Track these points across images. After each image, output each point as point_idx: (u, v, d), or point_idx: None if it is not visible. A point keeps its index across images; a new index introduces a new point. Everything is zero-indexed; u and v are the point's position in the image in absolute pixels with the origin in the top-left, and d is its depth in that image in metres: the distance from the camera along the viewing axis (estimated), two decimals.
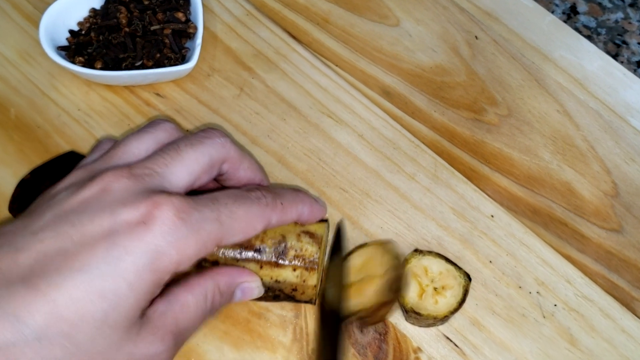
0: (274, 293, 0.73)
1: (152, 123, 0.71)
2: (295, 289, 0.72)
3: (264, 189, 0.69)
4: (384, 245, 0.81)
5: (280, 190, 0.70)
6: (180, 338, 0.62)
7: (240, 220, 0.63)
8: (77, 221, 0.57)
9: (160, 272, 0.57)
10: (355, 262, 0.81)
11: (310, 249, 0.71)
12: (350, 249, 0.83)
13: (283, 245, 0.71)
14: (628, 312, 0.88)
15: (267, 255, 0.70)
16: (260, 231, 0.66)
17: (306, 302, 0.74)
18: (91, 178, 0.62)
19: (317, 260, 0.71)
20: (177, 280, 0.63)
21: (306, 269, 0.71)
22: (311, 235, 0.72)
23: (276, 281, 0.71)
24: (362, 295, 0.77)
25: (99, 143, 0.72)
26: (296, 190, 0.73)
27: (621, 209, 0.96)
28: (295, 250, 0.71)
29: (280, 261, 0.70)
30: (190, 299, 0.62)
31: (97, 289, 0.54)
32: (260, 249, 0.70)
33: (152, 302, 0.60)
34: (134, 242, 0.56)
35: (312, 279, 0.71)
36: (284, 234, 0.71)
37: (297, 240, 0.71)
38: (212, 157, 0.67)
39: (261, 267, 0.70)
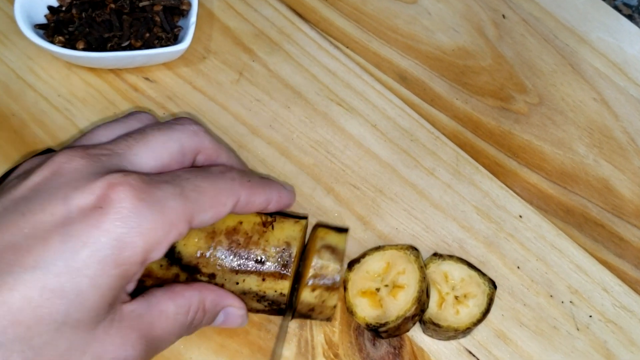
0: (278, 307, 0.73)
1: (127, 114, 0.70)
2: (312, 309, 0.72)
3: (227, 165, 0.69)
4: (406, 251, 0.79)
5: (246, 170, 0.71)
6: (151, 347, 0.61)
7: (207, 193, 0.62)
8: (27, 210, 0.56)
9: (125, 264, 0.56)
10: (374, 267, 0.80)
11: (332, 267, 0.71)
12: (363, 251, 0.82)
13: (287, 253, 0.70)
14: None
15: (271, 265, 0.70)
16: (230, 209, 0.65)
17: (320, 319, 0.74)
18: (43, 162, 0.61)
19: (338, 280, 0.71)
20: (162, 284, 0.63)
21: (327, 289, 0.71)
22: (332, 250, 0.72)
23: (281, 294, 0.71)
24: (383, 307, 0.76)
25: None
26: (263, 175, 0.73)
27: None
28: (315, 270, 0.71)
29: (284, 271, 0.70)
30: (171, 307, 0.62)
31: (54, 287, 0.53)
32: (262, 259, 0.70)
33: (132, 300, 0.60)
34: (91, 231, 0.55)
35: (333, 300, 0.71)
36: (288, 241, 0.71)
37: (318, 257, 0.71)
38: (183, 144, 0.66)
39: (264, 280, 0.70)
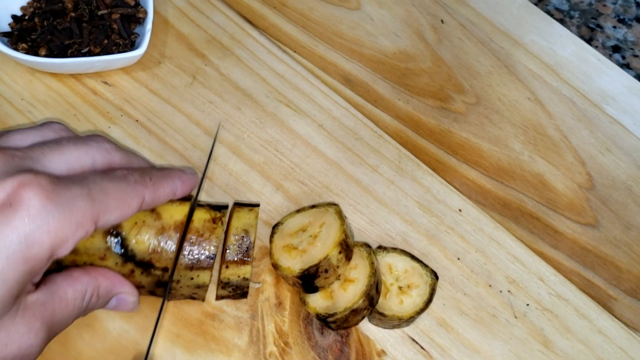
0: (242, 291, 0.76)
1: (42, 123, 0.70)
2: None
3: (129, 167, 0.69)
4: (360, 247, 0.81)
5: (146, 169, 0.71)
6: (52, 331, 0.61)
7: (113, 196, 0.63)
8: None
9: (33, 260, 0.56)
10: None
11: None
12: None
13: (247, 240, 0.74)
14: (605, 311, 0.88)
15: (232, 254, 0.73)
16: (136, 209, 0.66)
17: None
18: None
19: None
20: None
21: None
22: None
23: (244, 279, 0.75)
24: (333, 299, 0.77)
25: None
26: (163, 168, 0.73)
27: (597, 202, 0.96)
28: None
29: (245, 258, 0.74)
30: (69, 293, 0.62)
31: None
32: (215, 255, 0.71)
33: (35, 289, 0.60)
34: (1, 228, 0.55)
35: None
36: (246, 228, 0.74)
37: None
38: (96, 160, 0.66)
39: (227, 267, 0.73)
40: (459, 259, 0.88)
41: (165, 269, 0.70)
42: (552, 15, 1.16)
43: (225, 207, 0.76)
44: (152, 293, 0.74)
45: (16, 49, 0.88)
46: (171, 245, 0.70)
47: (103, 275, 0.66)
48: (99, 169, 0.66)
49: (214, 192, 0.87)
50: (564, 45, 1.10)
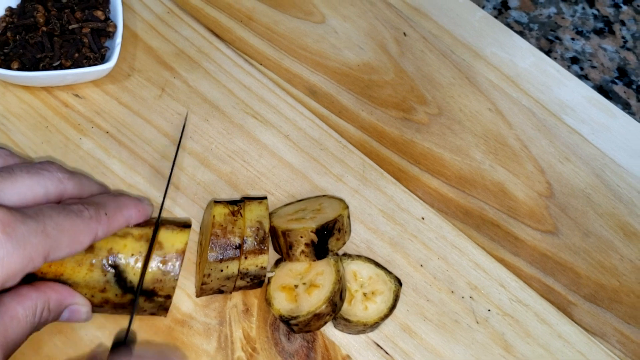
0: (259, 280, 0.79)
1: None
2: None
3: (86, 201, 0.69)
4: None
5: (102, 199, 0.71)
6: (7, 350, 0.61)
7: (67, 233, 0.63)
8: None
9: None
10: (297, 267, 0.82)
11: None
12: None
13: (262, 231, 0.77)
14: (565, 317, 0.89)
15: (250, 245, 0.76)
16: (87, 245, 0.67)
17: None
18: None
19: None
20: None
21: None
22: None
23: (262, 268, 0.77)
24: (297, 302, 0.78)
25: None
26: (117, 195, 0.74)
27: (556, 210, 0.98)
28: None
29: (263, 247, 0.77)
30: (20, 311, 0.62)
31: None
32: (244, 241, 0.76)
33: None
34: None
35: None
36: (260, 220, 0.78)
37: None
38: (49, 190, 0.67)
39: (246, 258, 0.76)
40: (422, 265, 0.89)
41: (167, 297, 0.72)
42: (512, 28, 1.17)
43: (240, 200, 0.80)
44: (152, 314, 0.76)
45: None
46: (174, 273, 0.72)
47: (52, 289, 0.66)
48: (52, 199, 0.67)
49: (182, 202, 0.88)
50: (524, 57, 1.12)
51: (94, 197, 0.71)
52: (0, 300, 0.62)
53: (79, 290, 0.69)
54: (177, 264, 0.72)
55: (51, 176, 0.67)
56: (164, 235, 0.74)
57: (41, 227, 0.60)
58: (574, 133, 1.05)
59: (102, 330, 0.78)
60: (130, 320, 0.72)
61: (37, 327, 0.65)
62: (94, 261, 0.69)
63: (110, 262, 0.69)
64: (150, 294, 0.72)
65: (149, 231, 0.73)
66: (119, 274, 0.69)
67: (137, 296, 0.71)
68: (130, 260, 0.70)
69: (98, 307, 0.71)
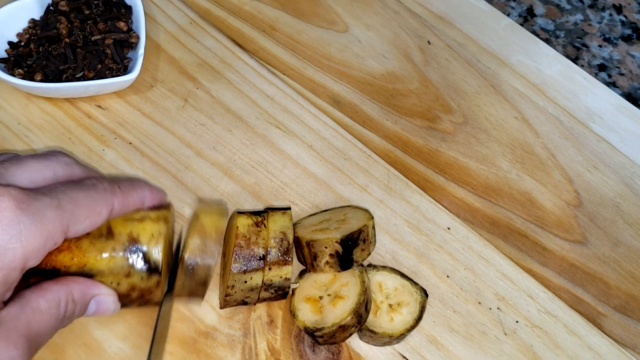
0: (283, 291, 0.78)
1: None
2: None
3: (98, 176, 0.69)
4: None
5: (116, 178, 0.71)
6: (34, 343, 0.61)
7: (83, 205, 0.63)
8: None
9: (6, 270, 0.57)
10: (321, 278, 0.82)
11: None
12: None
13: (286, 241, 0.76)
14: (594, 328, 0.88)
15: (274, 256, 0.76)
16: (106, 217, 0.67)
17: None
18: None
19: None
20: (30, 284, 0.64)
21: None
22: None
23: (286, 279, 0.77)
24: (322, 314, 0.78)
25: None
26: (131, 178, 0.75)
27: (584, 219, 0.97)
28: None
29: (287, 258, 0.76)
30: (42, 303, 0.62)
31: None
32: (268, 252, 0.76)
33: (5, 304, 0.60)
34: None
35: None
36: (283, 230, 0.77)
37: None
38: (57, 172, 0.67)
39: (270, 269, 0.76)
40: (448, 276, 0.88)
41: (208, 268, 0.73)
42: (538, 35, 1.17)
43: (264, 211, 0.80)
44: (191, 294, 0.76)
45: (12, 75, 0.90)
46: (214, 248, 0.73)
47: (74, 281, 0.66)
48: (62, 181, 0.67)
49: None
50: (550, 65, 1.11)
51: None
52: (22, 294, 0.62)
53: (104, 279, 0.69)
54: (215, 246, 0.73)
55: (58, 160, 0.68)
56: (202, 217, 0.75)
57: (55, 202, 0.60)
58: (602, 141, 1.04)
59: (125, 342, 0.78)
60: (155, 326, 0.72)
61: (63, 320, 0.65)
62: (115, 247, 0.69)
63: (132, 245, 0.69)
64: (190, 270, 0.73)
65: (166, 213, 0.73)
66: (143, 256, 0.69)
67: (160, 307, 0.71)
68: (151, 240, 0.70)
69: (125, 296, 0.71)
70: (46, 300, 0.62)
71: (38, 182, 0.65)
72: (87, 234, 0.67)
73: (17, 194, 0.58)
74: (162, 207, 0.74)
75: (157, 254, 0.70)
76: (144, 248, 0.69)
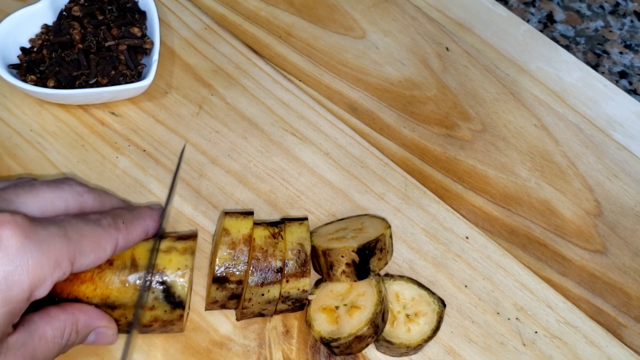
0: (300, 303, 0.78)
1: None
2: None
3: (102, 212, 0.69)
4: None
5: (117, 211, 0.71)
6: None
7: (88, 237, 0.63)
8: None
9: (13, 302, 0.56)
10: (338, 287, 0.81)
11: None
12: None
13: (303, 253, 0.76)
14: (614, 338, 0.88)
15: (292, 268, 0.76)
16: (110, 253, 0.67)
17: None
18: None
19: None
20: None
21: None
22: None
23: (303, 291, 0.77)
24: (338, 324, 0.77)
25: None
26: (133, 208, 0.75)
27: (605, 228, 0.96)
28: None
29: (305, 270, 0.76)
30: (49, 331, 0.62)
31: None
32: (286, 264, 0.75)
33: (14, 329, 0.59)
34: None
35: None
36: (301, 242, 0.77)
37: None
38: (68, 203, 0.67)
39: (287, 281, 0.75)
40: (466, 286, 0.88)
41: (239, 282, 0.73)
42: (557, 42, 1.16)
43: (281, 222, 0.79)
44: (223, 307, 0.77)
45: (25, 81, 0.89)
46: (244, 259, 0.73)
47: (81, 311, 0.66)
48: (72, 212, 0.67)
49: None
50: (570, 72, 1.10)
51: (110, 211, 0.71)
52: (29, 319, 0.62)
53: (127, 311, 0.69)
54: (245, 249, 0.74)
55: (71, 190, 0.68)
56: (229, 222, 0.76)
57: (62, 231, 0.60)
58: (622, 149, 1.03)
59: (139, 352, 0.78)
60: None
61: (64, 348, 0.65)
62: (139, 280, 0.69)
63: (157, 278, 0.69)
64: (222, 281, 0.73)
65: (193, 244, 0.73)
66: (167, 290, 0.70)
67: (135, 320, 0.71)
68: (177, 274, 0.70)
69: (146, 326, 0.71)
70: (52, 328, 0.63)
71: (48, 212, 0.65)
72: (110, 265, 0.68)
73: (23, 222, 0.58)
74: (189, 237, 0.74)
75: (183, 288, 0.70)
76: (169, 282, 0.70)
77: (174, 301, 0.70)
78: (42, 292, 0.59)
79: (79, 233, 0.62)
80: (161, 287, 0.69)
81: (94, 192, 0.71)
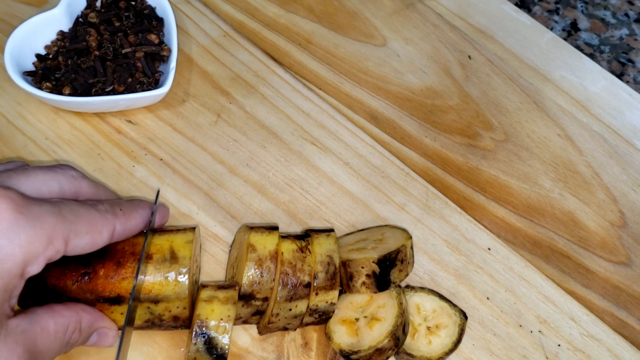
0: (327, 316, 0.78)
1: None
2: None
3: (98, 200, 0.70)
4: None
5: (115, 200, 0.72)
6: None
7: (84, 218, 0.63)
8: None
9: (6, 277, 0.57)
10: (357, 299, 0.81)
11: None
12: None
13: (332, 265, 0.76)
14: (639, 352, 0.87)
15: (321, 280, 0.75)
16: (107, 238, 0.67)
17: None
18: None
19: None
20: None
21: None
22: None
23: (331, 304, 0.76)
24: (359, 336, 0.77)
25: None
26: (132, 199, 0.75)
27: (629, 240, 0.96)
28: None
29: (334, 282, 0.76)
30: (52, 325, 0.63)
31: None
32: (315, 276, 0.75)
33: (15, 315, 0.60)
34: None
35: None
36: (330, 254, 0.77)
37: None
38: (63, 186, 0.68)
39: (317, 294, 0.75)
40: (488, 298, 0.88)
41: (265, 299, 0.74)
42: (581, 50, 1.16)
43: (307, 235, 0.80)
44: (245, 322, 0.77)
45: (40, 88, 0.89)
46: (272, 276, 0.73)
47: (84, 310, 0.67)
48: (67, 196, 0.68)
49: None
50: (594, 81, 1.10)
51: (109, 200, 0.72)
52: (33, 310, 0.62)
53: (170, 304, 0.70)
54: (272, 265, 0.73)
55: (64, 173, 0.69)
56: (255, 238, 0.75)
57: (56, 210, 0.61)
58: None
59: (142, 355, 0.78)
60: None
61: (66, 347, 0.65)
62: (177, 274, 0.70)
63: (199, 329, 0.70)
64: (248, 298, 0.73)
65: (234, 293, 0.73)
66: (209, 342, 0.70)
67: (126, 320, 0.71)
68: (220, 325, 0.70)
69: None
70: (56, 323, 0.63)
71: (43, 193, 0.65)
72: (150, 259, 0.70)
73: (17, 197, 0.58)
74: (230, 286, 0.74)
75: (225, 340, 0.70)
76: (211, 334, 0.70)
77: (217, 353, 0.70)
78: (35, 268, 0.59)
79: (73, 214, 0.62)
80: (203, 338, 0.69)
81: (90, 180, 0.72)
